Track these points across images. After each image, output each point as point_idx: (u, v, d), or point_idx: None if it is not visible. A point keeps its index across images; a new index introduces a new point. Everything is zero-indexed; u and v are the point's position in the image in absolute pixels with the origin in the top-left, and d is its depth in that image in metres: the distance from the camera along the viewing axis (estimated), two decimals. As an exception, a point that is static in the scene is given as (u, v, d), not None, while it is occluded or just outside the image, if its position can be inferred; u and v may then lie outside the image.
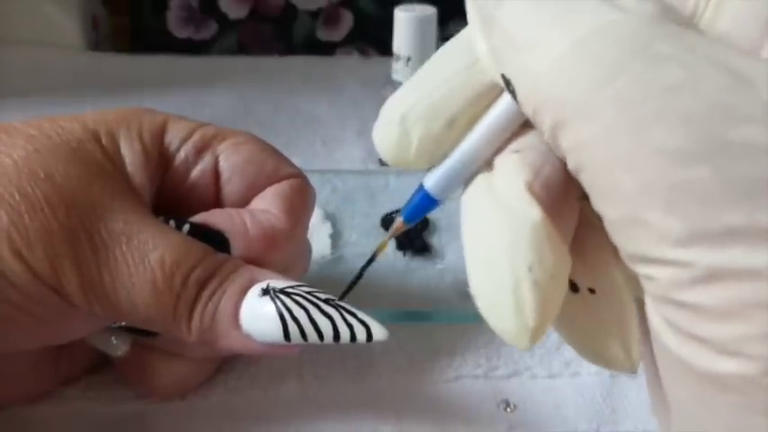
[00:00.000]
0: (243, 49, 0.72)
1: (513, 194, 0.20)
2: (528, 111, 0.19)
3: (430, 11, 0.44)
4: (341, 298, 0.26)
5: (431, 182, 0.23)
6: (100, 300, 0.25)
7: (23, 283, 0.24)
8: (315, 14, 0.71)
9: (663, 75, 0.16)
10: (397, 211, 0.24)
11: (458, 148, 0.22)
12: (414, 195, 0.23)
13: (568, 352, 0.33)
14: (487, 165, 0.22)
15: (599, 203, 0.18)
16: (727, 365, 0.16)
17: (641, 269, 0.17)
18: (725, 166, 0.15)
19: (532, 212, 0.19)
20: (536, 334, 0.19)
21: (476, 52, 0.20)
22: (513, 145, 0.21)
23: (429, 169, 0.22)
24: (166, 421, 0.29)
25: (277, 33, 0.72)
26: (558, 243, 0.19)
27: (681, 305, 0.16)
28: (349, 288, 0.26)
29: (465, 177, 0.22)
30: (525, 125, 0.20)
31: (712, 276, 0.15)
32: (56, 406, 0.30)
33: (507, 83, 0.19)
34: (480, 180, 0.21)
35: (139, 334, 0.28)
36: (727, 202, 0.15)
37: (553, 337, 0.34)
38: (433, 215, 0.41)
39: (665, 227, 0.16)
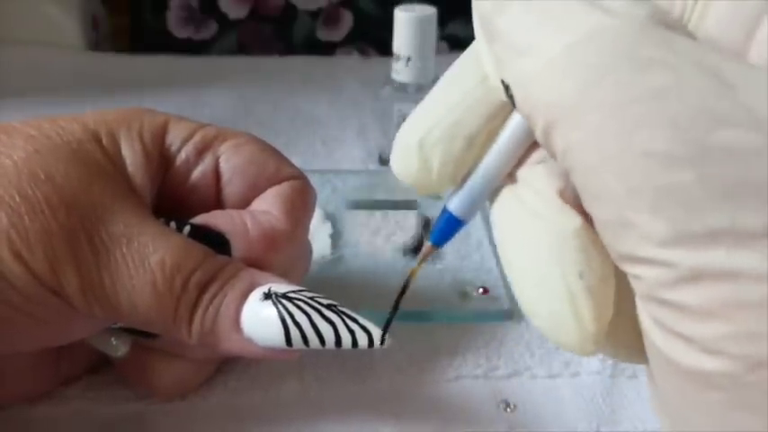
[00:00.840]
0: (243, 49, 0.72)
1: (547, 205, 0.20)
2: (524, 113, 0.19)
3: (430, 11, 0.44)
4: (384, 333, 0.25)
5: (454, 204, 0.23)
6: (100, 301, 0.25)
7: (23, 285, 0.24)
8: (315, 14, 0.71)
9: (649, 79, 0.16)
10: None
11: (479, 168, 0.22)
12: (439, 219, 0.23)
13: (568, 352, 0.33)
14: (509, 178, 0.22)
15: (589, 204, 0.18)
16: (710, 363, 0.16)
17: (630, 268, 0.17)
18: (708, 169, 0.16)
19: (571, 220, 0.20)
20: (597, 339, 0.20)
21: (483, 66, 0.20)
22: (535, 156, 0.21)
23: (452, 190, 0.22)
24: (166, 422, 0.29)
25: (277, 33, 0.72)
26: (600, 244, 0.19)
27: (666, 304, 0.17)
28: (389, 321, 0.26)
29: (488, 194, 0.22)
30: (536, 143, 0.20)
31: (695, 277, 0.16)
32: (56, 406, 0.30)
33: (506, 88, 0.19)
34: (506, 195, 0.22)
35: (139, 335, 0.28)
36: (711, 204, 0.16)
37: (553, 337, 0.34)
38: (432, 214, 0.41)
39: (651, 228, 0.16)
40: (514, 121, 0.21)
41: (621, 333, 0.21)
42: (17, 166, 0.25)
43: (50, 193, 0.24)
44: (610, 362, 0.33)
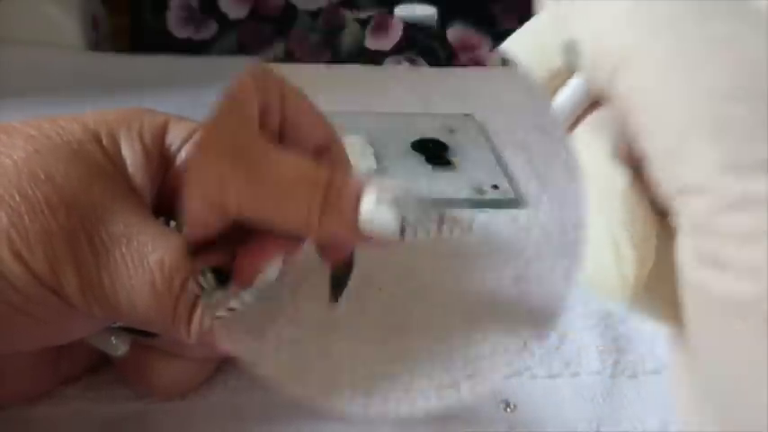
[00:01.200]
0: (243, 49, 0.72)
1: (598, 163, 0.21)
2: (590, 64, 0.20)
3: (430, 11, 0.44)
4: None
5: None
6: (99, 301, 0.25)
7: (23, 285, 0.24)
8: (315, 15, 0.71)
9: (714, 26, 0.18)
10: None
11: None
12: None
13: (568, 352, 0.33)
14: None
15: (646, 140, 0.19)
16: (746, 287, 0.17)
17: (679, 200, 0.18)
18: (761, 107, 0.17)
19: (620, 179, 0.21)
20: (637, 289, 0.21)
21: (543, 36, 0.22)
22: (588, 119, 0.22)
23: None
24: (166, 421, 0.29)
25: (277, 33, 0.72)
26: (645, 206, 0.20)
27: (713, 231, 0.18)
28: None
29: None
30: (593, 106, 0.22)
31: (743, 202, 0.17)
32: (56, 406, 0.30)
33: (570, 49, 0.21)
34: None
35: (139, 334, 0.28)
36: (762, 136, 0.17)
37: (553, 337, 0.34)
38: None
39: (704, 156, 0.17)
40: (572, 85, 0.22)
41: (662, 289, 0.21)
42: (17, 166, 0.25)
43: (50, 193, 0.24)
44: (610, 362, 0.33)
